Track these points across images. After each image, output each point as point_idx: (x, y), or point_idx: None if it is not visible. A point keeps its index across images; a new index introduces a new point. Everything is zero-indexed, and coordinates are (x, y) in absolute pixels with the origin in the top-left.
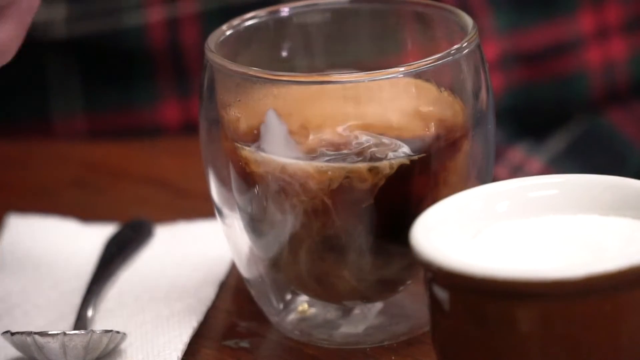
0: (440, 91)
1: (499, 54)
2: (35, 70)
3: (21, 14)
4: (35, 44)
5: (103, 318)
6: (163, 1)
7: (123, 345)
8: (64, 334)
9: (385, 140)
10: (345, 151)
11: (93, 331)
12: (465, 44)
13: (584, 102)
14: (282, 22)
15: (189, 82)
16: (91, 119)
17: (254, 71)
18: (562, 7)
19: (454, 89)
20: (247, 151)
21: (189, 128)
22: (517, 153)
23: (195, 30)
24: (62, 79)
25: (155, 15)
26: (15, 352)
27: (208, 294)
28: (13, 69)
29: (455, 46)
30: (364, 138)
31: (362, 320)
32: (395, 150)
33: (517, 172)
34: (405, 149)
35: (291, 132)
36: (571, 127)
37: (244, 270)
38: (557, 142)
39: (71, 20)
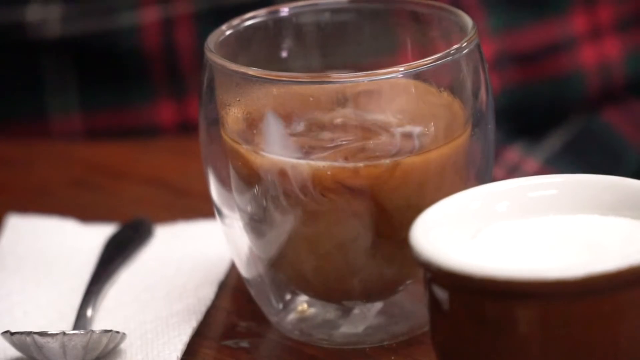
0: (440, 91)
1: (494, 54)
2: (30, 70)
3: None
4: (30, 44)
5: (103, 318)
6: (157, 1)
7: (123, 345)
8: (64, 334)
9: (384, 140)
10: (344, 151)
11: (92, 331)
12: (465, 43)
13: (580, 102)
14: (282, 22)
15: (183, 82)
16: (87, 118)
17: (254, 71)
18: (555, 7)
19: (454, 89)
20: (247, 151)
21: (185, 127)
22: (514, 153)
23: (190, 30)
24: (58, 78)
25: (150, 15)
26: (15, 352)
27: (208, 294)
28: (8, 68)
29: (455, 46)
30: (364, 138)
31: (362, 320)
32: (394, 150)
33: (513, 172)
34: (404, 149)
35: (291, 132)
36: (567, 127)
37: (244, 270)
38: (553, 142)
39: (66, 20)
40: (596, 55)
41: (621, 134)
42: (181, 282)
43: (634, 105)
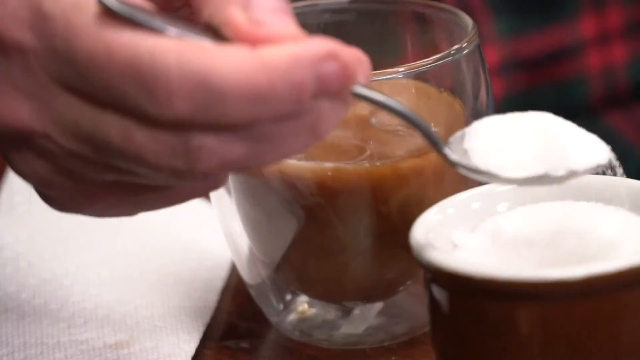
0: (440, 92)
1: (500, 60)
2: None
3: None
4: None
5: (100, 326)
6: None
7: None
8: None
9: (385, 140)
10: (345, 152)
11: None
12: (465, 44)
13: (584, 106)
14: None
15: None
16: None
17: None
18: (564, 12)
19: (454, 90)
20: None
21: None
22: None
23: None
24: None
25: None
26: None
27: (210, 299)
28: None
29: (455, 46)
30: (364, 139)
31: (362, 320)
32: (395, 151)
33: None
34: (405, 150)
35: None
36: None
37: (244, 271)
38: None
39: None
40: (601, 60)
41: (625, 138)
42: (183, 288)
43: (637, 110)
